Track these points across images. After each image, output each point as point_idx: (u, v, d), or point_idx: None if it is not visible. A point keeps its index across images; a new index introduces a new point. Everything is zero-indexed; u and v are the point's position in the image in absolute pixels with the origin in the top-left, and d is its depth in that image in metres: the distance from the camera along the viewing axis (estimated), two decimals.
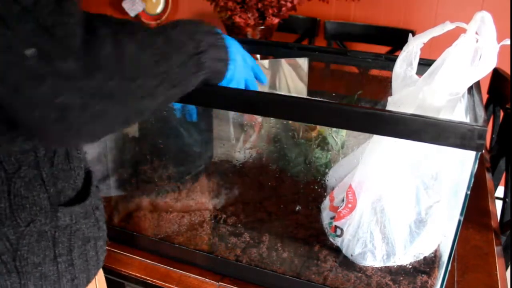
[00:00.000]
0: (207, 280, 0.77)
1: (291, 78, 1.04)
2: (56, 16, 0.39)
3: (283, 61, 1.03)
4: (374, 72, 1.03)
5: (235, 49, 0.63)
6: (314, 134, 0.89)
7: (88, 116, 0.42)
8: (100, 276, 0.65)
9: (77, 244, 0.57)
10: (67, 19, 0.39)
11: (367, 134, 0.73)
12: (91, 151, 0.86)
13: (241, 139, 0.94)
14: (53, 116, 0.41)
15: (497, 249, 0.88)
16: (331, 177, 0.81)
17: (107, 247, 0.84)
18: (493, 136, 1.49)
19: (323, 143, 0.88)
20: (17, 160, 0.50)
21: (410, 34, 0.71)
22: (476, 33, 0.60)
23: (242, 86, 0.66)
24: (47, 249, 0.53)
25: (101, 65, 0.42)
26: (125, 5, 2.61)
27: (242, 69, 0.65)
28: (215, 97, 0.63)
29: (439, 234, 0.73)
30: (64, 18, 0.39)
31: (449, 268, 0.64)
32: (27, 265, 0.52)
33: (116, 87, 0.43)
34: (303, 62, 1.03)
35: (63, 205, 0.55)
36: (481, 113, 0.57)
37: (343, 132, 0.88)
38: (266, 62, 1.04)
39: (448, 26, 0.63)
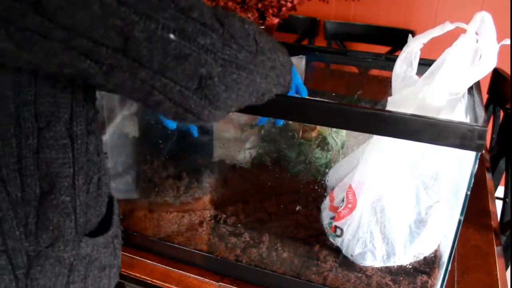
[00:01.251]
0: (207, 280, 0.77)
1: None
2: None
3: None
4: (374, 72, 1.03)
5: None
6: (314, 134, 0.89)
7: (224, 84, 0.45)
8: None
9: (92, 272, 0.55)
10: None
11: (367, 134, 0.73)
12: None
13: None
14: (194, 86, 0.44)
15: (497, 249, 0.88)
16: (331, 177, 0.81)
17: None
18: (493, 136, 1.48)
19: (323, 143, 0.88)
20: (51, 183, 0.49)
21: (410, 35, 0.71)
22: (476, 33, 0.60)
23: None
24: (60, 275, 0.52)
25: (234, 36, 0.45)
26: None
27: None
28: None
29: (439, 234, 0.73)
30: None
31: (449, 268, 0.64)
32: (38, 286, 0.50)
33: (246, 58, 0.47)
34: (301, 61, 1.03)
35: (88, 235, 0.54)
36: (481, 113, 0.57)
37: (343, 132, 0.88)
38: None
39: (448, 27, 0.63)
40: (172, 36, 0.41)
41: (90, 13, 0.38)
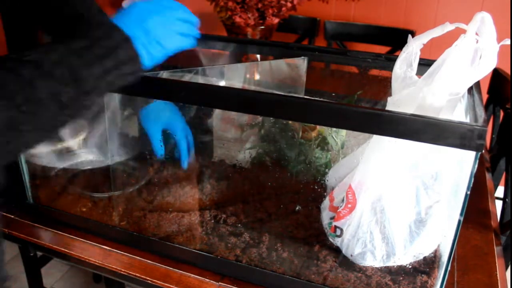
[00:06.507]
0: (207, 280, 0.77)
1: (290, 78, 1.04)
2: None
3: (282, 61, 1.03)
4: (374, 72, 1.03)
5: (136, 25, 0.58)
6: (314, 134, 0.89)
7: None
8: None
9: None
10: None
11: (367, 134, 0.73)
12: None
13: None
14: None
15: (497, 249, 0.88)
16: (331, 177, 0.81)
17: (107, 247, 0.84)
18: (493, 136, 1.49)
19: (323, 143, 0.88)
20: None
21: (410, 35, 0.71)
22: (476, 33, 0.60)
23: (174, 46, 0.61)
24: None
25: None
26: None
27: (162, 32, 0.60)
28: (215, 96, 0.63)
29: (439, 234, 0.73)
30: None
31: (449, 268, 0.64)
32: None
33: None
34: (302, 62, 1.03)
35: None
36: (481, 113, 0.57)
37: (343, 132, 0.88)
38: (265, 63, 1.04)
39: (448, 27, 0.63)
40: None
41: None
